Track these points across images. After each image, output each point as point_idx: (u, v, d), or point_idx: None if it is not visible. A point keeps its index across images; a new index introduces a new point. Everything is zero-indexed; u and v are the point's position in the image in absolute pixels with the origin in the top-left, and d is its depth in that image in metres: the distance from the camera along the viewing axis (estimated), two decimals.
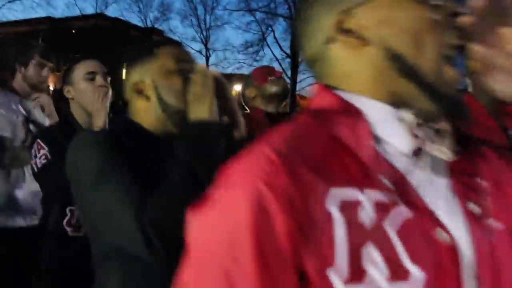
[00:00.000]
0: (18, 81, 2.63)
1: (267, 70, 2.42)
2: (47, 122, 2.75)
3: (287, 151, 0.59)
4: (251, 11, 25.93)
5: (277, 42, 25.49)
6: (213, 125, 1.15)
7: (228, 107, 1.26)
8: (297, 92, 24.63)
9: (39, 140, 1.70)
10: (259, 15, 26.09)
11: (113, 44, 25.93)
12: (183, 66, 1.26)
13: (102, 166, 1.09)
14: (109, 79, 1.92)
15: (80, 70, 1.92)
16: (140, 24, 31.43)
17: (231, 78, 25.41)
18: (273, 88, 2.37)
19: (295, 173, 0.57)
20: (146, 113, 1.26)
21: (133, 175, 1.09)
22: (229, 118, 1.27)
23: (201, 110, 1.15)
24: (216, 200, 0.60)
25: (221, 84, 1.22)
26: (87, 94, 1.90)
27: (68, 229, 1.74)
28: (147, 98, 1.24)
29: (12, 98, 2.58)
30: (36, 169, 1.68)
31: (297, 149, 0.60)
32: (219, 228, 0.58)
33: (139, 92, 1.26)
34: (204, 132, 1.14)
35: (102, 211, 1.08)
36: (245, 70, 26.49)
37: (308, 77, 25.98)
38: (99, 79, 1.88)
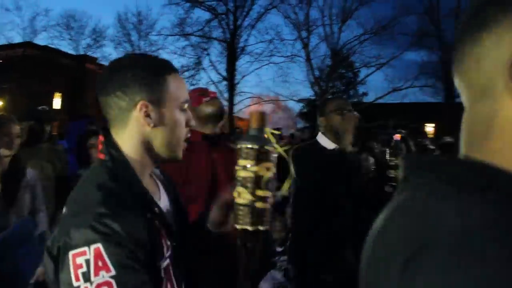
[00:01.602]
0: None
1: (201, 92, 2.44)
2: None
3: None
4: (185, 35, 25.95)
5: (213, 65, 25.63)
6: None
7: None
8: (234, 114, 24.81)
9: None
10: (194, 39, 26.17)
11: (43, 72, 25.09)
12: None
13: None
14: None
15: None
16: (72, 51, 30.67)
17: None
18: (208, 109, 2.39)
19: None
20: None
21: None
22: None
23: None
24: None
25: None
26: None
27: None
28: None
29: None
30: None
31: None
32: None
33: None
34: None
35: None
36: None
37: (245, 98, 26.29)
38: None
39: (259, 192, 1.17)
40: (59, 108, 26.80)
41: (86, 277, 0.99)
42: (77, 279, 1.00)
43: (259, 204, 1.17)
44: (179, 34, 26.02)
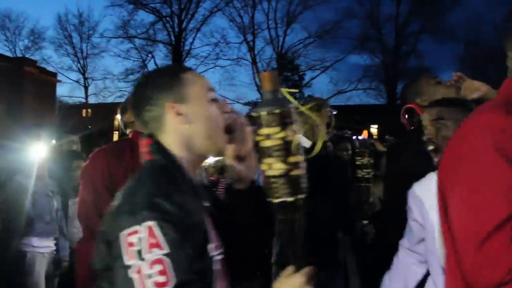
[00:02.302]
0: None
1: None
2: None
3: None
4: (129, 38, 25.48)
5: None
6: None
7: None
8: None
9: None
10: (138, 41, 25.75)
11: None
12: None
13: None
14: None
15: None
16: (8, 53, 29.38)
17: (114, 107, 24.54)
18: None
19: None
20: None
21: None
22: None
23: None
24: None
25: None
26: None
27: None
28: None
29: None
30: None
31: None
32: None
33: None
34: None
35: None
36: None
37: None
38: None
39: (292, 159, 1.07)
40: None
41: (139, 255, 0.97)
42: (130, 258, 0.98)
43: (294, 172, 1.07)
44: (122, 37, 25.60)
